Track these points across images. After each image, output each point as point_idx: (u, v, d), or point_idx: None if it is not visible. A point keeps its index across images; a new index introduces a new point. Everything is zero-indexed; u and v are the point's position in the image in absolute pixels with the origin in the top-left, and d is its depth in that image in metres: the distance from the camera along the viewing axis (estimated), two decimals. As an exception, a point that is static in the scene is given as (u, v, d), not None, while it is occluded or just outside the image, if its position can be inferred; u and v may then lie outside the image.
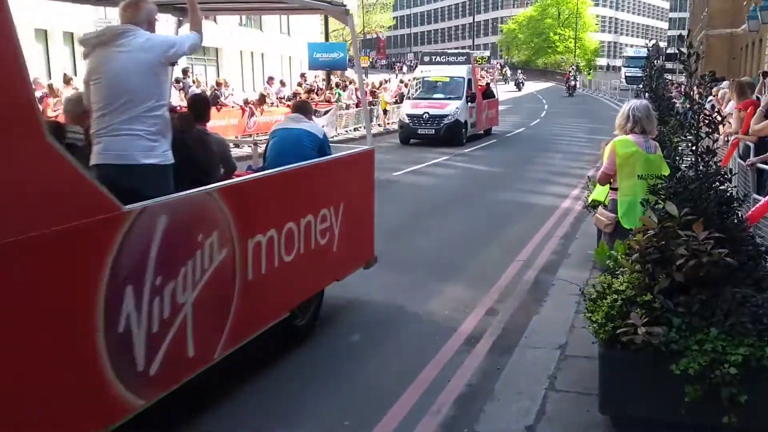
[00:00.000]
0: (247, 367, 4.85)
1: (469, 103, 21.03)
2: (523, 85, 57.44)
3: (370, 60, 64.38)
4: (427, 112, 20.27)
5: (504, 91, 55.97)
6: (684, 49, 3.68)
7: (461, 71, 21.85)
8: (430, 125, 20.09)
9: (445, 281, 7.02)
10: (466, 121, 20.64)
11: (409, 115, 20.86)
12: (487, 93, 24.10)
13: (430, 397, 4.48)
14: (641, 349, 3.42)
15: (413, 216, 10.51)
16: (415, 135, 20.57)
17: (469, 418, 4.13)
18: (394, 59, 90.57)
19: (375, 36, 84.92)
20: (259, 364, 4.94)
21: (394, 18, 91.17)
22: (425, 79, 22.59)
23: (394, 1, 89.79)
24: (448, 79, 21.70)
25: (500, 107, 39.36)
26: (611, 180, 5.05)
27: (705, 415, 3.41)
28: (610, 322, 3.54)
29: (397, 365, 5.00)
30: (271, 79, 22.73)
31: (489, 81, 32.77)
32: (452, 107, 20.45)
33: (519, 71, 63.52)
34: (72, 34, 23.95)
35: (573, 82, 50.92)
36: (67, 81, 14.37)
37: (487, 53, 72.00)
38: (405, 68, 76.98)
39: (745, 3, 31.73)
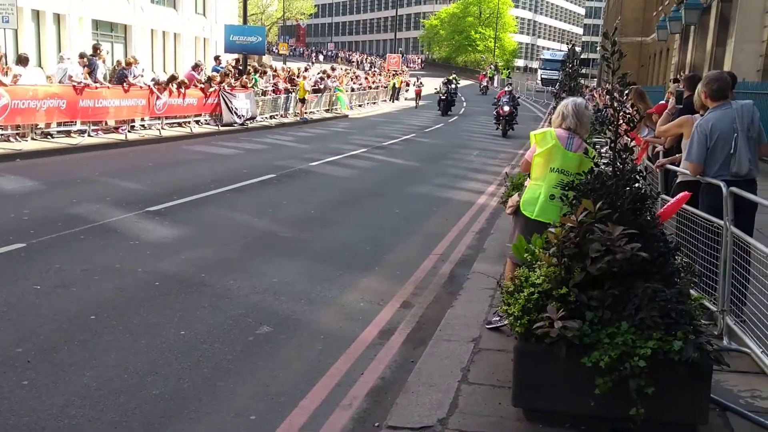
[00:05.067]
0: (156, 354, 4.59)
1: None
2: (453, 97, 36.04)
3: (289, 47, 63.37)
4: None
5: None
6: (608, 47, 3.69)
7: None
8: None
9: (361, 273, 6.91)
10: None
11: None
12: None
13: (341, 390, 4.36)
14: (555, 342, 3.42)
15: (330, 206, 10.35)
16: None
17: (382, 412, 4.04)
18: (313, 48, 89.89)
19: (295, 23, 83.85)
20: (167, 351, 4.68)
21: (315, 6, 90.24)
22: None
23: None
24: None
25: (421, 102, 39.15)
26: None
27: (614, 407, 3.45)
28: (527, 315, 3.52)
29: (309, 357, 4.85)
30: (197, 66, 21.23)
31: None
32: None
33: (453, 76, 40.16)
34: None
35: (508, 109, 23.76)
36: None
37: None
38: (321, 57, 76.51)
39: (654, 14, 33.25)
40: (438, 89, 36.04)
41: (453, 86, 40.22)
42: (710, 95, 5.21)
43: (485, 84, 52.42)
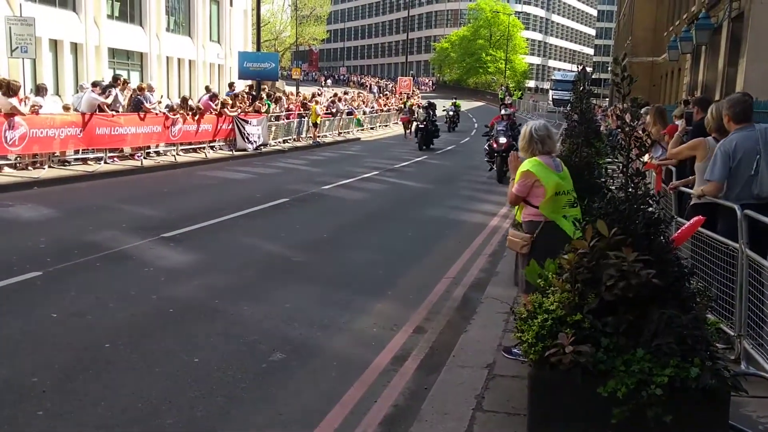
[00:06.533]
0: (170, 382, 4.60)
1: None
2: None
3: (302, 72, 64.01)
4: None
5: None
6: (618, 72, 3.70)
7: None
8: None
9: (374, 297, 6.90)
10: None
11: None
12: None
13: (355, 419, 4.33)
14: (570, 369, 3.39)
15: (343, 230, 10.37)
16: None
17: (396, 441, 4.01)
18: (325, 72, 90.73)
19: (308, 48, 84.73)
20: (181, 379, 4.69)
21: (327, 31, 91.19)
22: None
23: (328, 15, 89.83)
24: None
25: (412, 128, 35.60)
26: (521, 202, 5.06)
27: (631, 436, 3.39)
28: (541, 342, 3.50)
29: (323, 384, 4.83)
30: (215, 96, 21.23)
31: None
32: None
33: (454, 100, 40.54)
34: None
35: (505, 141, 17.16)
36: None
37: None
38: (330, 81, 77.10)
39: (665, 34, 33.29)
40: (417, 115, 28.33)
41: (451, 112, 35.45)
42: (733, 118, 5.23)
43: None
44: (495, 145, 16.99)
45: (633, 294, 3.41)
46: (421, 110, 27.74)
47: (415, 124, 27.45)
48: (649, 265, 3.43)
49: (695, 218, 4.22)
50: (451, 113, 37.23)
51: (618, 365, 3.39)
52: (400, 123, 38.79)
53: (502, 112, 18.42)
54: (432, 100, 31.45)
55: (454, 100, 38.94)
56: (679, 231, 4.20)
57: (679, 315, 3.49)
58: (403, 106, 37.73)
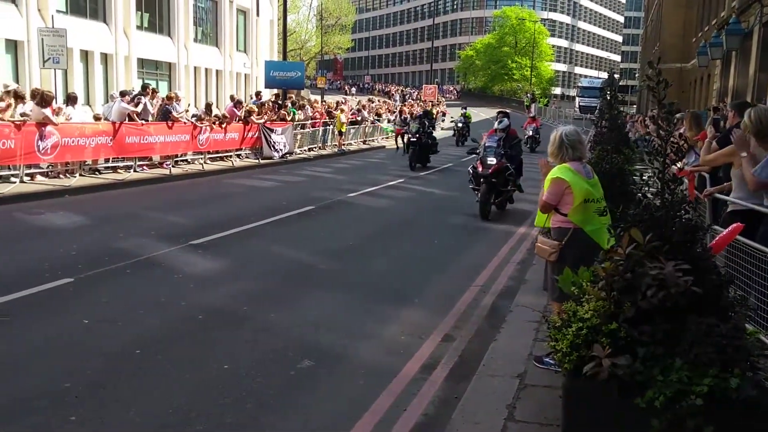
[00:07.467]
0: (200, 389, 4.60)
1: None
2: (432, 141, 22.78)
3: (327, 81, 64.40)
4: None
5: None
6: (653, 76, 3.63)
7: None
8: None
9: (401, 305, 6.86)
10: None
11: None
12: None
13: (384, 428, 4.29)
14: (607, 381, 3.31)
15: (369, 238, 10.35)
16: None
17: (426, 450, 3.96)
18: (350, 80, 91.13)
19: (333, 57, 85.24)
20: (211, 386, 4.69)
21: (352, 40, 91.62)
22: None
23: (353, 24, 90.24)
24: None
25: (449, 132, 34.34)
26: (552, 209, 5.00)
27: (670, 448, 3.30)
28: (575, 351, 3.42)
29: (351, 393, 4.80)
30: (239, 103, 21.13)
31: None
32: None
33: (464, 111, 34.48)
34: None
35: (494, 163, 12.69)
36: None
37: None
38: (354, 90, 77.35)
39: (694, 40, 32.86)
40: (408, 125, 23.83)
41: (461, 123, 30.51)
42: None
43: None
44: (480, 168, 12.57)
45: (671, 303, 3.33)
46: (413, 121, 23.00)
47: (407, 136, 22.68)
48: (687, 273, 3.35)
49: (734, 225, 4.13)
50: (460, 125, 31.40)
51: (656, 375, 3.31)
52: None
53: (496, 125, 14.61)
54: (427, 109, 28.13)
55: (464, 111, 34.06)
56: (717, 238, 4.11)
57: (717, 324, 3.40)
58: (397, 114, 31.82)
